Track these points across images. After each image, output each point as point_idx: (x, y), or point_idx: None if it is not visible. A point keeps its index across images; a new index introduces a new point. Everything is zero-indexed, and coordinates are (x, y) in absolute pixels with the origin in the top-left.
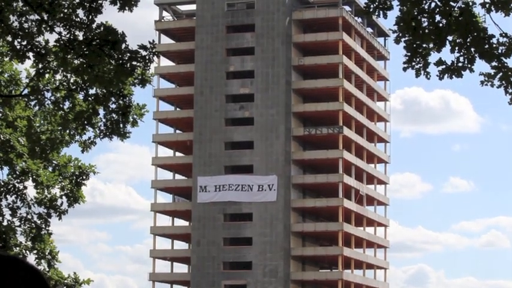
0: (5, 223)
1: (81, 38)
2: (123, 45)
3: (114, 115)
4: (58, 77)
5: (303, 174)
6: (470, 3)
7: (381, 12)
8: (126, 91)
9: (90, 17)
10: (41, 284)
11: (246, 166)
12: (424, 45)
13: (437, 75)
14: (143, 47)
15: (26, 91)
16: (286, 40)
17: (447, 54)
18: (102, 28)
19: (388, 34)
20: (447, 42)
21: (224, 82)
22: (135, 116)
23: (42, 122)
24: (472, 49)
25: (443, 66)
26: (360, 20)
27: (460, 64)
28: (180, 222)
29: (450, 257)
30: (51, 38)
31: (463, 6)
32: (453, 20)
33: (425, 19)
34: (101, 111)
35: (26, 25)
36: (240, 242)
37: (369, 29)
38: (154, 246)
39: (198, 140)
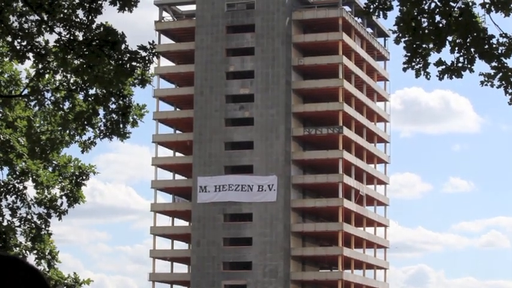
0: (5, 223)
1: (81, 38)
2: (123, 46)
3: (114, 115)
4: (58, 77)
5: (303, 175)
6: (470, 4)
7: (381, 12)
8: (126, 91)
9: (90, 17)
10: (41, 284)
11: (246, 166)
12: (424, 46)
13: (437, 76)
14: (143, 47)
15: (25, 91)
16: (286, 40)
17: (447, 55)
18: (101, 28)
19: (388, 34)
20: (447, 42)
21: (224, 82)
22: (135, 117)
23: (42, 122)
24: (472, 49)
25: (443, 67)
26: (359, 20)
27: (460, 64)
28: (180, 223)
29: (450, 257)
30: (51, 38)
31: (463, 6)
32: (453, 21)
33: (425, 19)
34: (101, 112)
35: (26, 25)
36: (240, 242)
37: (369, 30)
38: (154, 247)
39: (198, 140)
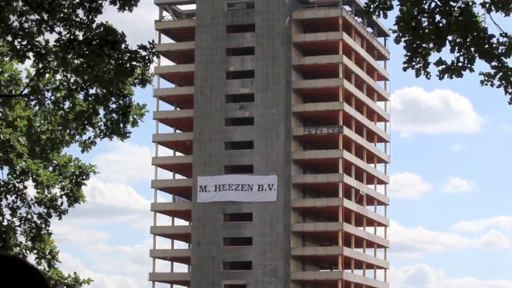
0: (5, 223)
1: (81, 38)
2: (123, 45)
3: (114, 115)
4: (58, 76)
5: (303, 174)
6: (470, 3)
7: (381, 12)
8: (126, 91)
9: (90, 16)
10: (41, 284)
11: (246, 166)
12: (424, 45)
13: (437, 75)
14: (143, 47)
15: (26, 91)
16: (286, 40)
17: (447, 54)
18: (101, 28)
19: (388, 34)
20: (447, 42)
21: (224, 82)
22: (135, 116)
23: (42, 122)
24: (472, 49)
25: (443, 66)
26: (360, 19)
27: (460, 64)
28: (180, 222)
29: (450, 257)
30: (51, 38)
31: (463, 6)
32: (453, 20)
33: (425, 19)
34: (101, 111)
35: (26, 25)
36: (240, 242)
37: (369, 29)
38: (154, 246)
39: (198, 139)
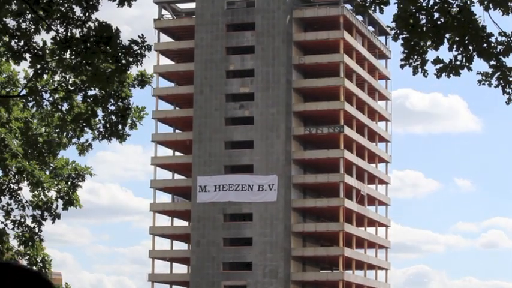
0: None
1: (78, 35)
2: (117, 41)
3: (113, 117)
4: (56, 77)
5: (303, 174)
6: (469, 2)
7: (377, 7)
8: (124, 93)
9: (87, 14)
10: None
11: (246, 166)
12: (422, 43)
13: (434, 74)
14: (134, 41)
15: (23, 92)
16: (286, 39)
17: (445, 53)
18: (96, 24)
19: (388, 32)
20: (445, 40)
21: (224, 81)
22: (134, 119)
23: (39, 123)
24: (470, 47)
25: (441, 65)
26: (361, 18)
27: (458, 62)
28: (180, 223)
29: (451, 257)
30: (48, 37)
31: (461, 4)
32: (451, 18)
33: (423, 16)
34: (100, 113)
35: (23, 25)
36: (240, 242)
37: (370, 28)
38: (154, 247)
39: (197, 139)
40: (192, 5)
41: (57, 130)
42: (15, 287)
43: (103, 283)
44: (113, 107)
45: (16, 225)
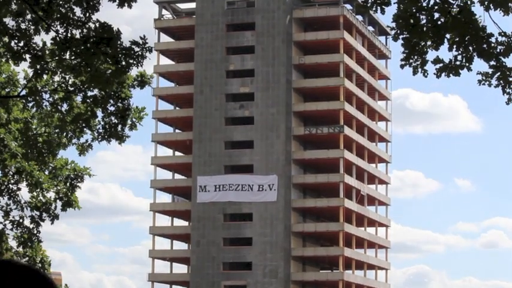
0: None
1: (78, 36)
2: (118, 43)
3: (112, 118)
4: (56, 78)
5: (303, 174)
6: (469, 2)
7: (379, 7)
8: (124, 94)
9: (87, 14)
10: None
11: (246, 166)
12: (422, 43)
13: (434, 74)
14: (135, 43)
15: (23, 92)
16: (286, 39)
17: (445, 53)
18: (97, 24)
19: (389, 32)
20: (445, 40)
21: (224, 81)
22: (134, 119)
23: (39, 124)
24: (470, 48)
25: (441, 65)
26: (361, 18)
27: (458, 63)
28: (180, 222)
29: (451, 257)
30: (48, 38)
31: (461, 4)
32: (452, 18)
33: (423, 16)
34: (99, 114)
35: (23, 25)
36: (240, 242)
37: (370, 28)
38: (154, 247)
39: (197, 139)
40: (192, 5)
41: (56, 130)
42: (16, 285)
43: (103, 283)
44: (112, 108)
45: (15, 225)
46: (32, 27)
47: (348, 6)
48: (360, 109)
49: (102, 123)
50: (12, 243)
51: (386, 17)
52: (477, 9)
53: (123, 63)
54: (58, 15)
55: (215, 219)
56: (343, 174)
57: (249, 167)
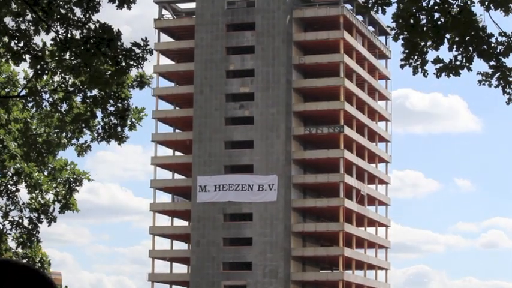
0: None
1: (78, 37)
2: (118, 44)
3: (112, 118)
4: (56, 78)
5: (303, 174)
6: (469, 2)
7: (380, 8)
8: (123, 94)
9: (88, 15)
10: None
11: (246, 166)
12: (422, 43)
13: (434, 73)
14: (136, 44)
15: (23, 92)
16: (286, 39)
17: (445, 53)
18: (97, 25)
19: (389, 32)
20: (445, 40)
21: (224, 81)
22: (133, 120)
23: (38, 124)
24: (471, 48)
25: (441, 65)
26: (361, 18)
27: (458, 63)
28: (180, 222)
29: (451, 257)
30: (48, 38)
31: (461, 4)
32: (452, 18)
33: (423, 16)
34: (99, 114)
35: (23, 26)
36: (240, 242)
37: (370, 28)
38: (154, 247)
39: (197, 139)
40: (192, 5)
41: (56, 131)
42: (15, 285)
43: (103, 283)
44: (112, 108)
45: (14, 225)
46: (32, 27)
47: (348, 6)
48: (360, 109)
49: (101, 123)
50: (12, 243)
51: (386, 17)
52: (477, 9)
53: (123, 64)
54: (58, 16)
55: (215, 219)
56: (343, 174)
57: (249, 167)
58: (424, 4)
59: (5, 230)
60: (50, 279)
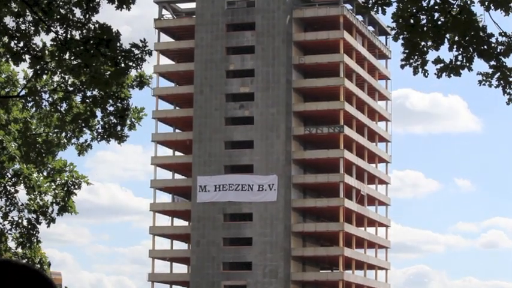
0: None
1: (78, 37)
2: (118, 44)
3: (112, 118)
4: (56, 78)
5: (303, 174)
6: (469, 1)
7: (380, 8)
8: (123, 94)
9: (87, 16)
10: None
11: (246, 166)
12: (423, 43)
13: (435, 74)
14: (135, 45)
15: (23, 92)
16: (286, 39)
17: (446, 53)
18: (97, 26)
19: (389, 32)
20: (445, 40)
21: (224, 81)
22: (133, 119)
23: (38, 124)
24: (471, 48)
25: (442, 65)
26: (361, 18)
27: (458, 63)
28: (180, 222)
29: (451, 257)
30: (48, 39)
31: (461, 4)
32: (452, 18)
33: (423, 16)
34: (99, 114)
35: (23, 26)
36: (240, 242)
37: (370, 28)
38: (154, 247)
39: (197, 139)
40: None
41: (56, 130)
42: (16, 285)
43: (103, 283)
44: (111, 108)
45: (14, 226)
46: (32, 28)
47: (348, 6)
48: (360, 109)
49: (101, 123)
50: (11, 244)
51: (386, 17)
52: (477, 9)
53: (122, 65)
54: (58, 16)
55: (215, 219)
56: (343, 174)
57: (249, 167)
58: (424, 4)
59: (5, 231)
60: (50, 279)
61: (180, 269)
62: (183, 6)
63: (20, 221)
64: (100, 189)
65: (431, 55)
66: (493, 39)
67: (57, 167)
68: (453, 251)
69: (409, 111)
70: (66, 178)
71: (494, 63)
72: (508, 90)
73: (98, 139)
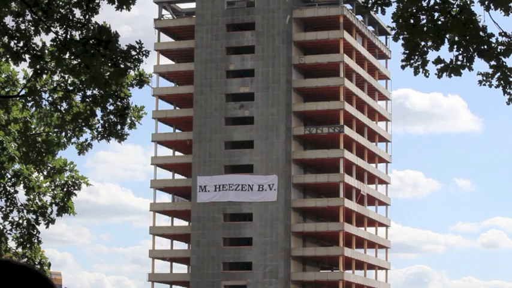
0: None
1: (77, 37)
2: (116, 45)
3: (112, 116)
4: (55, 77)
5: (303, 174)
6: (469, 2)
7: (380, 8)
8: (123, 93)
9: (87, 16)
10: None
11: (246, 166)
12: (423, 43)
13: (435, 74)
14: (132, 47)
15: (23, 92)
16: (286, 39)
17: (446, 53)
18: (96, 26)
19: (389, 32)
20: (446, 40)
21: (224, 81)
22: (133, 118)
23: (38, 123)
24: (471, 48)
25: (442, 65)
26: (361, 18)
27: (458, 63)
28: (180, 222)
29: (451, 257)
30: (48, 38)
31: (461, 4)
32: (452, 18)
33: (423, 16)
34: (98, 113)
35: (22, 26)
36: (240, 242)
37: (370, 28)
38: (154, 247)
39: (197, 139)
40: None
41: (56, 130)
42: (16, 285)
43: (103, 283)
44: (111, 107)
45: (14, 226)
46: (32, 28)
47: (348, 6)
48: (360, 109)
49: (101, 122)
50: (12, 244)
51: (386, 17)
52: (477, 9)
53: (121, 66)
54: (58, 17)
55: (215, 219)
56: (343, 174)
57: (249, 167)
58: (424, 4)
59: (5, 231)
60: (50, 280)
61: (180, 269)
62: (183, 6)
63: (20, 221)
64: (100, 189)
65: (432, 55)
66: (493, 39)
67: (58, 166)
68: (453, 251)
69: (409, 111)
70: (66, 179)
71: (495, 63)
72: (508, 90)
73: (98, 138)
